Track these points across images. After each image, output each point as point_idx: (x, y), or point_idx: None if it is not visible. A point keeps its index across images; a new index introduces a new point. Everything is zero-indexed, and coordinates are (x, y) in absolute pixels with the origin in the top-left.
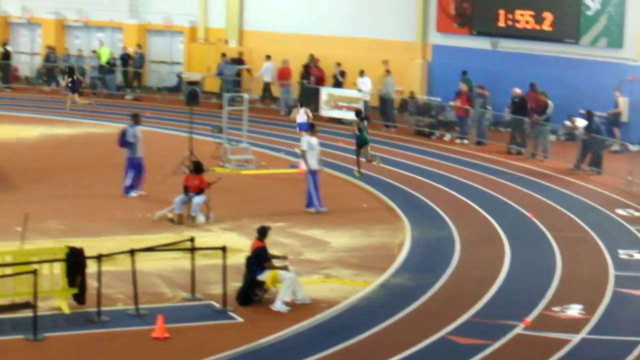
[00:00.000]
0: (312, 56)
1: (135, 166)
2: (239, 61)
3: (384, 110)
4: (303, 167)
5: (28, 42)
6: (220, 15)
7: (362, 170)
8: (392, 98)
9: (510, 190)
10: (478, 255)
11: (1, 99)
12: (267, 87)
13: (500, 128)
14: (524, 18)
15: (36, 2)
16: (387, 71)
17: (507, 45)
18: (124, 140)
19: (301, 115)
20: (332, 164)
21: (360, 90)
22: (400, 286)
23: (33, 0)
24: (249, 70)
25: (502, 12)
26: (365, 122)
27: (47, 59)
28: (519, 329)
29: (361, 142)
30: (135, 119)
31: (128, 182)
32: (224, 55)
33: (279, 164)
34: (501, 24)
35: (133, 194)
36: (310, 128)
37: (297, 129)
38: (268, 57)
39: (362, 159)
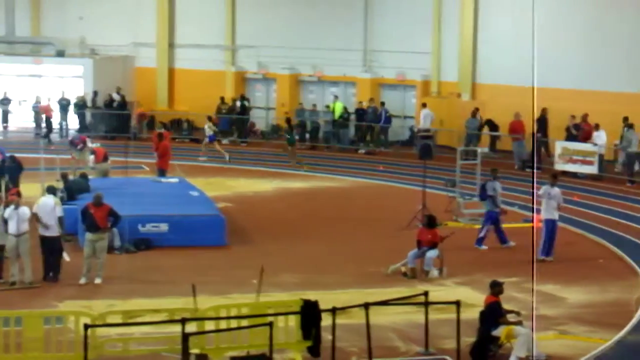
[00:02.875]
0: (544, 109)
1: (492, 219)
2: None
3: (627, 165)
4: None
5: (263, 97)
6: (453, 68)
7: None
8: (636, 152)
9: None
10: None
11: (238, 153)
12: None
13: None
14: None
15: (271, 58)
16: (630, 125)
17: None
18: (483, 194)
19: None
20: (567, 218)
21: (595, 144)
22: (638, 344)
23: (268, 56)
24: (489, 125)
25: None
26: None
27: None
28: None
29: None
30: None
31: (482, 233)
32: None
33: (512, 218)
34: None
35: (483, 246)
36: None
37: None
38: (424, 105)
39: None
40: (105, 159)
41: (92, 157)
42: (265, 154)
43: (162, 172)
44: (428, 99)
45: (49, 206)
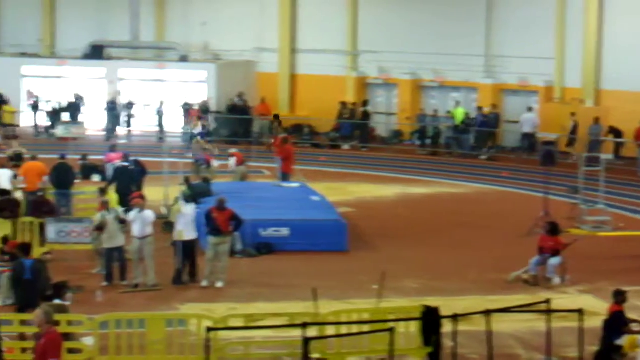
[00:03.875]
0: None
1: None
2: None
3: None
4: None
5: (384, 103)
6: (576, 74)
7: None
8: None
9: None
10: None
11: (359, 159)
12: (525, 137)
13: None
14: None
15: (393, 63)
16: None
17: None
18: None
19: None
20: None
21: None
22: None
23: (390, 61)
24: (613, 132)
25: None
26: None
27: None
28: None
29: None
30: None
31: None
32: (573, 115)
33: (638, 226)
34: None
35: None
36: None
37: None
38: (529, 109)
39: None
40: (242, 162)
41: (232, 160)
42: (386, 159)
43: (285, 177)
44: (551, 105)
45: (190, 211)
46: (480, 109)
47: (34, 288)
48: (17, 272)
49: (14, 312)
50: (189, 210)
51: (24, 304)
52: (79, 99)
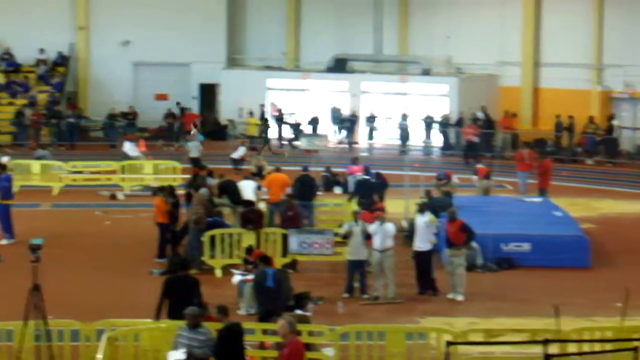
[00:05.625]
0: None
1: None
2: None
3: None
4: None
5: (630, 117)
6: None
7: None
8: None
9: None
10: None
11: (603, 174)
12: None
13: None
14: None
15: (639, 78)
16: None
17: None
18: None
19: None
20: None
21: None
22: None
23: (636, 75)
24: None
25: None
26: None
27: None
28: None
29: None
30: None
31: None
32: None
33: None
34: None
35: None
36: None
37: None
38: None
39: None
40: (487, 176)
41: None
42: (632, 175)
43: (542, 192)
44: None
45: (423, 222)
46: None
47: (276, 297)
48: (260, 281)
49: (256, 321)
50: (422, 221)
51: (266, 313)
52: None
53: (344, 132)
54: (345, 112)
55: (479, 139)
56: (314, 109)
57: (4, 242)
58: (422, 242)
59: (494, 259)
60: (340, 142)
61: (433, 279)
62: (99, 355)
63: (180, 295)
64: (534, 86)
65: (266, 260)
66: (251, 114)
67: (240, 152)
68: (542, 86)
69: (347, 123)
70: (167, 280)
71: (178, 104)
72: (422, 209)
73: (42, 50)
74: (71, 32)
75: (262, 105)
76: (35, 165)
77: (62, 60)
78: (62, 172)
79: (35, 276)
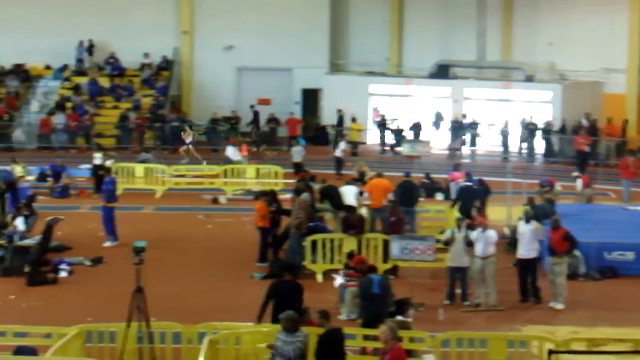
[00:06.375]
0: None
1: None
2: None
3: None
4: None
5: None
6: None
7: None
8: None
9: None
10: None
11: None
12: None
13: None
14: None
15: None
16: None
17: None
18: None
19: None
20: None
21: None
22: None
23: None
24: None
25: None
26: None
27: None
28: None
29: None
30: None
31: None
32: None
33: None
34: None
35: None
36: None
37: None
38: None
39: None
40: (588, 184)
41: (579, 182)
42: None
43: None
44: None
45: (529, 230)
46: None
47: (382, 303)
48: (365, 287)
49: (359, 327)
50: (526, 229)
51: (370, 319)
52: (439, 117)
53: (464, 138)
54: (450, 117)
55: (590, 148)
56: (416, 115)
57: (108, 244)
58: (527, 250)
59: (597, 268)
60: (453, 149)
61: (538, 288)
62: (201, 358)
63: (284, 300)
64: (639, 93)
65: (372, 269)
66: (354, 119)
67: (341, 147)
68: None
69: (466, 130)
70: (272, 284)
71: (252, 107)
72: (528, 218)
73: (146, 55)
74: (175, 36)
75: (339, 110)
76: (139, 169)
77: (166, 65)
78: (165, 176)
79: (138, 278)
